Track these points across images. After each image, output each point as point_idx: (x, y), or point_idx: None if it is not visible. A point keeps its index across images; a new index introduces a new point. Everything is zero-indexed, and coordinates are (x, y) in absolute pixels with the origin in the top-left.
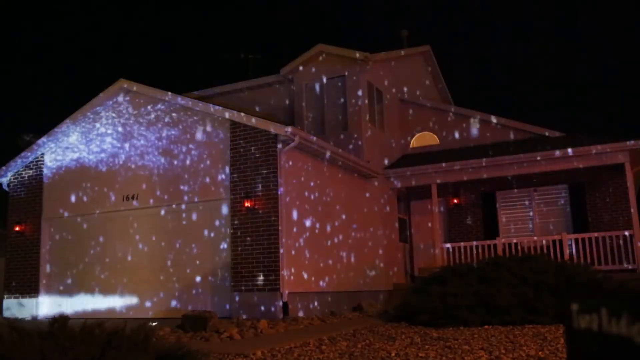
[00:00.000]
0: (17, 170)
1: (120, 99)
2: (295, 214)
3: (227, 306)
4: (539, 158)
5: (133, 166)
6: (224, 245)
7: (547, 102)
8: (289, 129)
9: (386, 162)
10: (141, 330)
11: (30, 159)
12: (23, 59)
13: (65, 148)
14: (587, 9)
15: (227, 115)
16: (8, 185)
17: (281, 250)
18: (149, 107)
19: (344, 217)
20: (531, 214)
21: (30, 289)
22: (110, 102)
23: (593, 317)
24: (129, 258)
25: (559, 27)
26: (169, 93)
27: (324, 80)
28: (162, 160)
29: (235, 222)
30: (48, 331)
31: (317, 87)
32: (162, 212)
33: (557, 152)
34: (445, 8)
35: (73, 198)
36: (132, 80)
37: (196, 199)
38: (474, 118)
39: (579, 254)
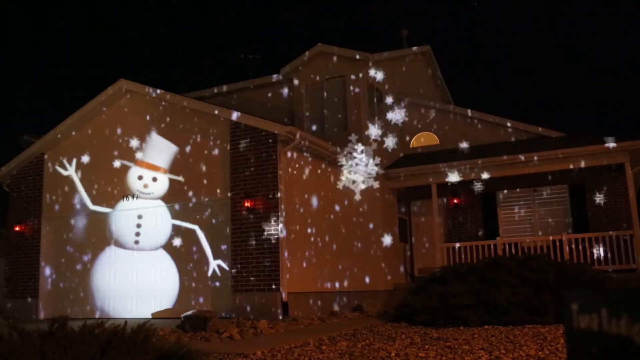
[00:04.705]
0: (17, 170)
1: (120, 99)
2: (295, 214)
3: (227, 306)
4: (538, 158)
5: (133, 166)
6: (224, 245)
7: (547, 102)
8: (289, 128)
9: (386, 162)
10: (141, 330)
11: (31, 159)
12: (24, 58)
13: (65, 148)
14: (587, 8)
15: (227, 115)
16: (8, 185)
17: (281, 250)
18: (149, 107)
19: (343, 216)
20: (531, 214)
21: (30, 289)
22: (111, 102)
23: (593, 317)
24: (129, 258)
25: (559, 27)
26: (169, 93)
27: (324, 80)
28: (162, 160)
29: (236, 221)
30: (48, 331)
31: (317, 87)
32: (162, 212)
33: (557, 152)
34: (445, 8)
35: (73, 198)
36: (132, 80)
37: (196, 199)
38: (474, 118)
39: (579, 254)
